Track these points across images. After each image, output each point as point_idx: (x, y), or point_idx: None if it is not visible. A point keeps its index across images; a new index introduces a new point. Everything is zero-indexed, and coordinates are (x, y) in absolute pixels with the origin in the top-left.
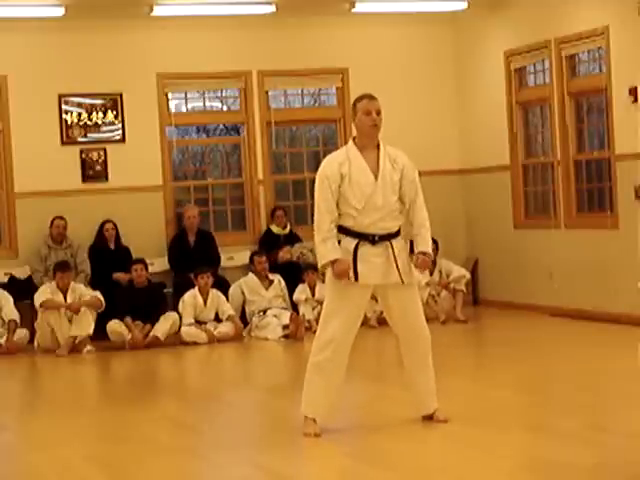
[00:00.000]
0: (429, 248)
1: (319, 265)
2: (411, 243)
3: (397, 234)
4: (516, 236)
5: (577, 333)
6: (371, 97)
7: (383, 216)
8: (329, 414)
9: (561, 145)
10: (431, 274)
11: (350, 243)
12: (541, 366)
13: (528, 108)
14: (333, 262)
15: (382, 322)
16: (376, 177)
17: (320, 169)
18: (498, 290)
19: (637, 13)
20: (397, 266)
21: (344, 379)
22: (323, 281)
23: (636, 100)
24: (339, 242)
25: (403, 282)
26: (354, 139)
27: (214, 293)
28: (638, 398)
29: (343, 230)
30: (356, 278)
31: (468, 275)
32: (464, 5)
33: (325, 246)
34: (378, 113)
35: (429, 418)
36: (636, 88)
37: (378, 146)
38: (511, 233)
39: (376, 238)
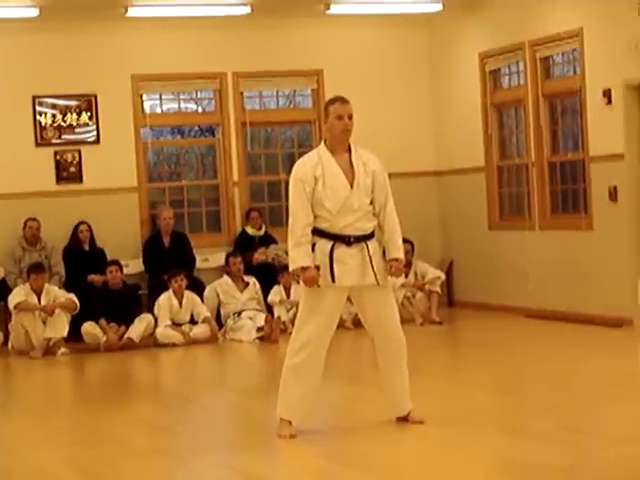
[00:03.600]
0: (402, 254)
1: (290, 269)
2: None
3: (372, 235)
4: (491, 237)
5: (552, 334)
6: (343, 100)
7: (358, 218)
8: (306, 417)
9: (535, 147)
10: (406, 276)
11: (326, 245)
12: (516, 367)
13: (503, 110)
14: (303, 269)
15: (358, 324)
16: (350, 181)
17: (293, 172)
18: (473, 291)
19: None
20: (372, 267)
21: (321, 381)
22: (298, 282)
23: (610, 102)
24: (314, 245)
25: (378, 283)
26: (325, 141)
27: (189, 295)
28: (612, 398)
29: (318, 232)
30: (333, 280)
31: (443, 276)
32: (439, 7)
33: (297, 251)
34: (350, 117)
35: (403, 419)
36: (610, 90)
37: (349, 148)
38: (486, 234)
39: (352, 239)
